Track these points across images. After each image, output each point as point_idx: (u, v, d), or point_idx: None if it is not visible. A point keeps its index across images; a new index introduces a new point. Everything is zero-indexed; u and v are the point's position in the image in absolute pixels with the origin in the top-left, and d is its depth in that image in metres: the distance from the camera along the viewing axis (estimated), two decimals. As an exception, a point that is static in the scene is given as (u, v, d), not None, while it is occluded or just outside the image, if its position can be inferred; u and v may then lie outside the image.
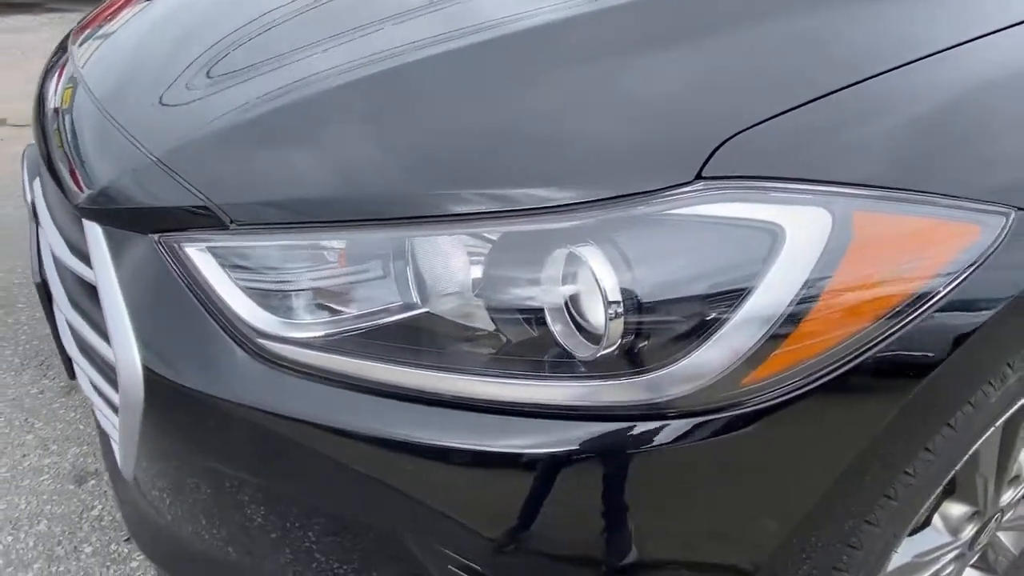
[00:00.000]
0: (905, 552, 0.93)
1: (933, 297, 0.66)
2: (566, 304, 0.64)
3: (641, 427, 0.64)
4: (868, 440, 0.67)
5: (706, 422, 0.63)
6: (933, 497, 0.85)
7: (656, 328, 0.62)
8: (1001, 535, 1.22)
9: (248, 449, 0.77)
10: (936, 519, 0.99)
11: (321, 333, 0.72)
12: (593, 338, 0.63)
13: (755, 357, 0.62)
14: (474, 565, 0.71)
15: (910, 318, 0.65)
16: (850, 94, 0.66)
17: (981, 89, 0.69)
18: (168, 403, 0.78)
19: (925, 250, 0.66)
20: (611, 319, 0.61)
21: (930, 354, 0.66)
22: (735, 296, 0.62)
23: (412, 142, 0.72)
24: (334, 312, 0.74)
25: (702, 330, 0.62)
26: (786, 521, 0.68)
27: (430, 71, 0.74)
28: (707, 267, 0.62)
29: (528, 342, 0.67)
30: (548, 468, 0.65)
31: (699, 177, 0.62)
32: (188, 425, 0.79)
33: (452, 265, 0.69)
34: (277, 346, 0.73)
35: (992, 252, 0.67)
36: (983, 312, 0.68)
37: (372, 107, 0.75)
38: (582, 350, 0.64)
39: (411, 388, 0.70)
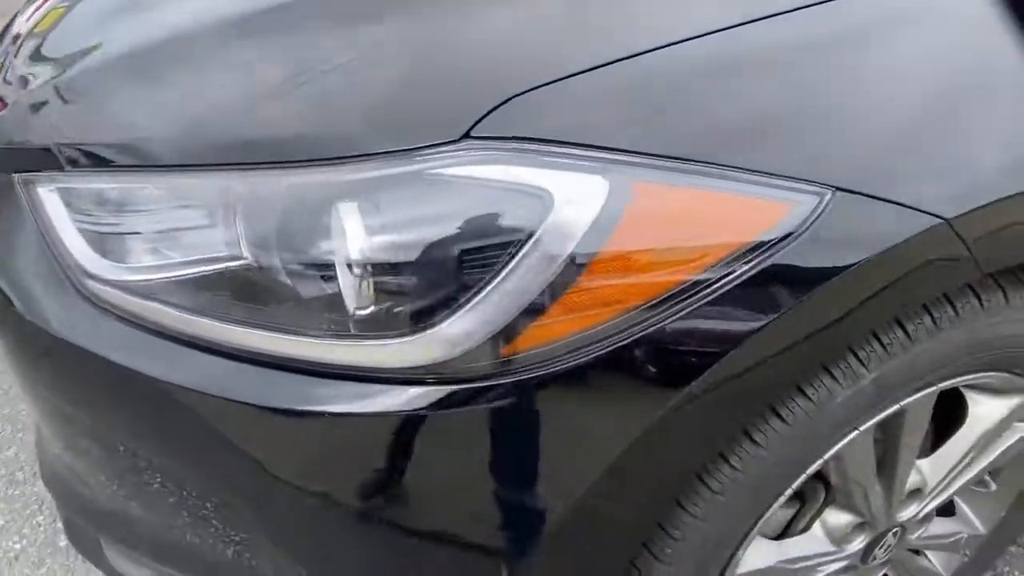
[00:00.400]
0: (767, 555, 0.88)
1: (725, 278, 0.61)
2: (334, 262, 0.63)
3: (401, 391, 0.63)
4: (648, 423, 0.63)
5: (464, 391, 0.61)
6: (781, 499, 0.80)
7: (410, 291, 0.60)
8: (930, 555, 1.14)
9: (77, 387, 0.80)
10: (817, 526, 0.93)
11: (138, 278, 0.74)
12: (354, 298, 0.62)
13: (513, 328, 0.60)
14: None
15: (694, 298, 0.61)
16: (648, 60, 0.61)
17: (796, 61, 0.63)
18: (15, 332, 0.82)
19: (718, 227, 0.61)
20: (364, 279, 0.60)
21: (718, 339, 0.62)
22: (495, 263, 0.59)
23: (227, 90, 0.72)
24: (157, 258, 0.75)
25: (458, 296, 0.60)
26: (563, 498, 0.65)
27: (239, 30, 0.74)
28: (468, 231, 0.59)
29: (305, 299, 0.66)
30: (315, 426, 0.65)
31: (467, 136, 0.60)
32: (33, 355, 0.83)
33: (265, 216, 0.69)
34: (100, 288, 0.75)
35: (802, 232, 0.61)
36: (788, 297, 0.62)
37: (197, 59, 0.75)
38: (344, 310, 0.63)
39: (214, 341, 0.70)
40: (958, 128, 0.65)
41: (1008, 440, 0.98)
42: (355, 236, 0.60)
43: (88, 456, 0.90)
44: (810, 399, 0.74)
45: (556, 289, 0.60)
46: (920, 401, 0.82)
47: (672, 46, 0.62)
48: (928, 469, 0.94)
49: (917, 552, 1.13)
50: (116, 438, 0.84)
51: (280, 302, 0.68)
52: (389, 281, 0.61)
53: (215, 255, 0.71)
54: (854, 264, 0.63)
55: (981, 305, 0.78)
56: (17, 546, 1.34)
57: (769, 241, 0.61)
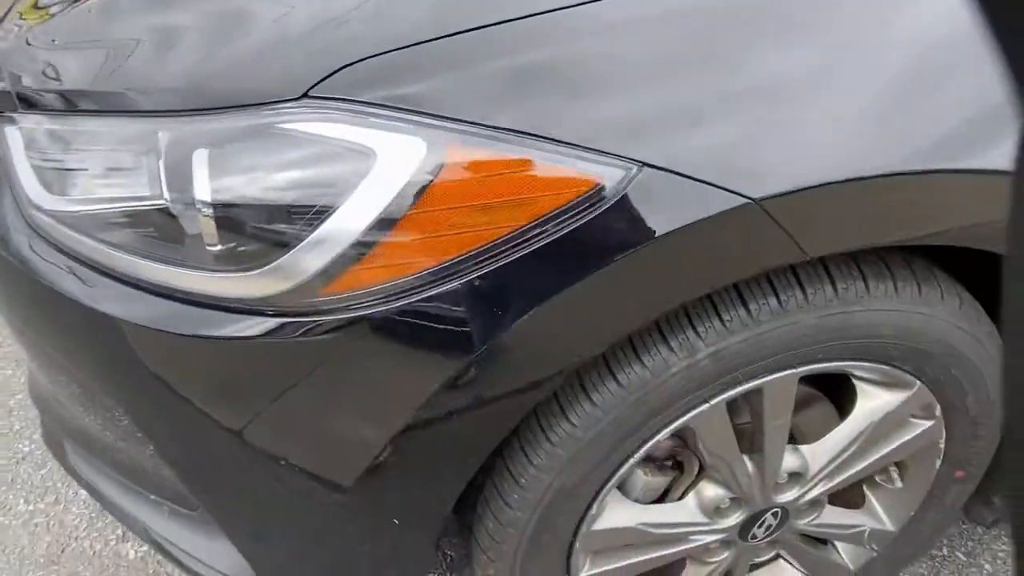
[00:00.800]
0: (629, 516, 0.92)
1: (529, 241, 0.66)
2: (197, 201, 0.71)
3: (245, 320, 0.71)
4: (458, 369, 0.69)
5: (293, 324, 0.69)
6: (631, 461, 0.85)
7: (249, 231, 0.68)
8: (840, 547, 1.15)
9: (24, 305, 0.92)
10: (691, 496, 0.96)
11: (68, 209, 0.85)
12: (208, 236, 0.70)
13: (331, 271, 0.67)
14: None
15: (500, 257, 0.66)
16: (479, 35, 0.66)
17: (609, 39, 0.66)
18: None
19: (526, 193, 0.66)
20: (213, 219, 0.69)
21: (522, 297, 0.67)
22: (320, 211, 0.66)
23: (144, 48, 0.81)
24: (87, 194, 0.86)
25: (288, 239, 0.67)
26: (384, 431, 0.72)
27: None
28: (298, 180, 0.67)
29: (189, 236, 0.75)
30: (174, 345, 0.74)
31: (306, 96, 0.67)
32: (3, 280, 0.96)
33: (162, 160, 0.78)
34: (40, 216, 0.87)
35: (607, 204, 0.66)
36: (590, 264, 0.67)
37: (130, 11, 0.85)
38: (203, 246, 0.71)
39: (118, 270, 0.80)
40: (775, 114, 0.67)
41: (904, 436, 0.98)
42: (204, 180, 0.68)
43: (67, 390, 1.03)
44: (645, 366, 0.78)
45: (373, 239, 0.66)
46: (779, 383, 0.84)
47: (502, 24, 0.66)
48: (811, 455, 0.96)
49: (824, 542, 1.14)
50: (75, 371, 0.96)
51: (171, 239, 0.77)
52: (233, 221, 0.69)
53: (132, 195, 0.81)
54: (657, 238, 0.66)
55: (836, 292, 0.79)
56: (25, 449, 1.53)
57: (573, 210, 0.66)
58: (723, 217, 0.66)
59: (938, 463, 1.03)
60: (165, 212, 0.76)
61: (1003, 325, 0.39)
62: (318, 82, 0.67)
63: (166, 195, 0.74)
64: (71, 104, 0.86)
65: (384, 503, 0.78)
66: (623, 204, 0.66)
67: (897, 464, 1.08)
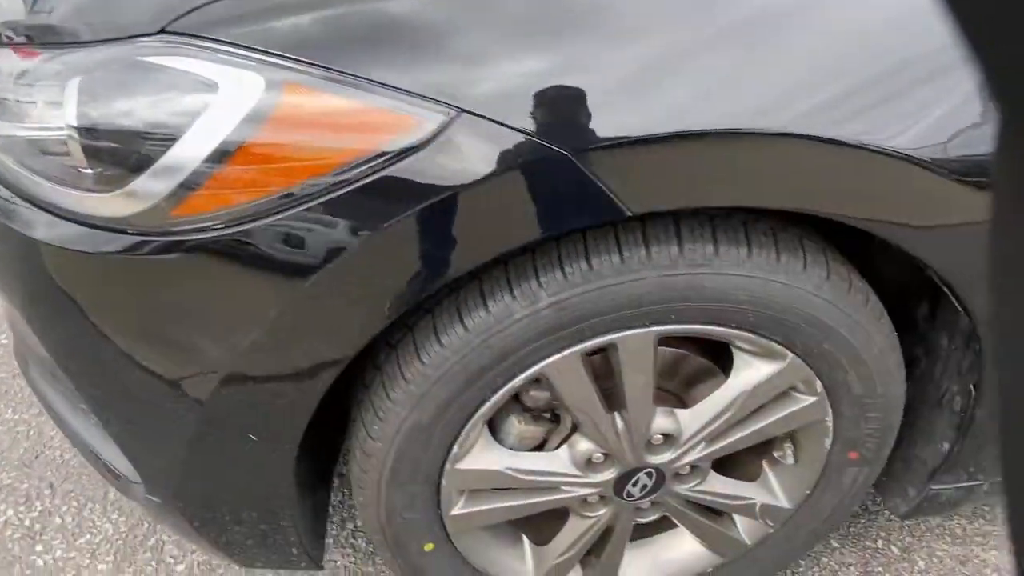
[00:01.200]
0: (496, 460, 0.95)
1: (356, 178, 0.70)
2: (67, 126, 0.77)
3: (111, 236, 0.78)
4: (287, 299, 0.74)
5: (146, 242, 0.75)
6: (486, 405, 0.88)
7: (107, 156, 0.74)
8: (737, 519, 1.15)
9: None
10: (564, 448, 0.98)
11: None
12: (78, 159, 0.77)
13: (177, 195, 0.72)
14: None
15: (326, 191, 0.70)
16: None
17: None
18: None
19: (351, 132, 0.69)
20: (76, 142, 0.75)
21: (347, 229, 0.71)
22: (166, 139, 0.72)
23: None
24: (24, 122, 0.94)
25: (137, 164, 0.73)
26: (229, 351, 0.78)
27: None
28: (150, 109, 0.72)
29: (76, 159, 0.82)
30: (56, 256, 0.82)
31: (163, 32, 0.72)
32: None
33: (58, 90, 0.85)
34: (-16, 142, 0.96)
35: (423, 147, 0.69)
36: (405, 205, 0.70)
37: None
38: (73, 169, 0.78)
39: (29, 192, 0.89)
40: (596, 66, 0.68)
41: (785, 409, 0.98)
42: (73, 106, 0.75)
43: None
44: (490, 312, 0.81)
45: (212, 167, 0.71)
46: (633, 340, 0.85)
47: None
48: (684, 419, 0.97)
49: (720, 514, 1.15)
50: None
51: (72, 164, 0.85)
52: (97, 146, 0.75)
53: (50, 124, 0.89)
54: (473, 183, 0.69)
55: (681, 252, 0.80)
56: (21, 364, 1.67)
57: (391, 152, 0.69)
58: (537, 167, 0.69)
59: (828, 442, 1.02)
60: (67, 140, 0.84)
61: (990, 324, 0.39)
62: (175, 19, 0.72)
63: (61, 123, 0.82)
64: (25, 38, 0.94)
65: (240, 418, 0.84)
66: (439, 149, 0.69)
67: (792, 441, 1.08)
